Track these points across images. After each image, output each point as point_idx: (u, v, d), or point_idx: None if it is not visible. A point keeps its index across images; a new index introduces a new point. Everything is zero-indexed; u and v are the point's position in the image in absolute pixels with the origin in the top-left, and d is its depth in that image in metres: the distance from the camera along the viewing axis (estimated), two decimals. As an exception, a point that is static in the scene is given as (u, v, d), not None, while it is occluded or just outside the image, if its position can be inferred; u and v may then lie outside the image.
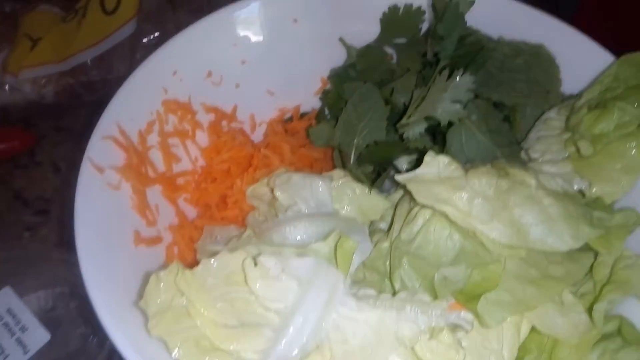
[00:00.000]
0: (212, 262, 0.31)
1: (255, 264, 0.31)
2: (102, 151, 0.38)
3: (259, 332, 0.31)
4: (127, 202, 0.39)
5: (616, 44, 0.43)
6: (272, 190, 0.41)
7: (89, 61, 0.62)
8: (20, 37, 0.65)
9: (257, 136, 0.52)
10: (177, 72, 0.44)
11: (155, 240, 0.39)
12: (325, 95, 0.53)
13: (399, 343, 0.30)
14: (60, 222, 0.60)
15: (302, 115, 0.53)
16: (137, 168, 0.40)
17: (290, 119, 0.53)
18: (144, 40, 0.64)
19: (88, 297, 0.32)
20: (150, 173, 0.42)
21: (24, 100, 0.65)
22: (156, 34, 0.64)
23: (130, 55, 0.63)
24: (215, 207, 0.45)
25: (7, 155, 0.64)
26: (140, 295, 0.30)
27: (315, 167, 0.48)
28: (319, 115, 0.53)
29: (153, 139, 0.43)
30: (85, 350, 0.48)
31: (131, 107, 0.41)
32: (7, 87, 0.64)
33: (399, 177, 0.35)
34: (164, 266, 0.38)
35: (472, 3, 0.42)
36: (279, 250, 0.33)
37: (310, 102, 0.53)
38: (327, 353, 0.30)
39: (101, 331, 0.47)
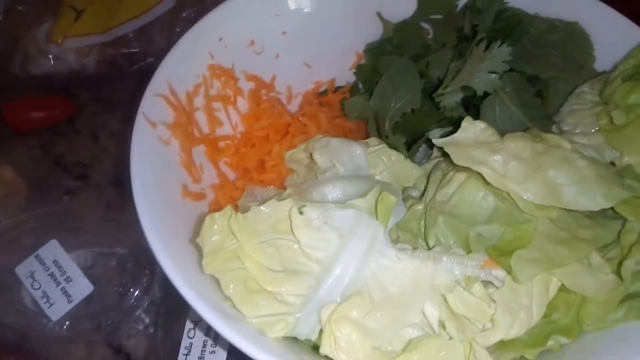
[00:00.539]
0: (262, 208, 0.33)
1: (301, 213, 0.33)
2: (154, 107, 0.40)
3: (301, 279, 0.33)
4: (176, 158, 0.41)
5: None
6: (310, 155, 0.43)
7: (130, 33, 0.65)
8: (64, 8, 0.67)
9: (293, 107, 0.54)
10: (223, 39, 0.46)
11: (200, 196, 0.42)
12: (359, 69, 0.55)
13: (434, 291, 0.32)
14: (98, 187, 0.62)
15: (337, 89, 0.55)
16: (184, 127, 0.42)
17: (325, 92, 0.55)
18: (184, 14, 0.66)
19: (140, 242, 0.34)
20: (196, 133, 0.44)
21: (67, 69, 0.67)
22: (195, 9, 0.66)
23: (169, 29, 0.66)
24: (254, 171, 0.47)
25: (48, 123, 0.67)
26: (196, 234, 0.32)
27: (350, 137, 0.50)
28: (353, 89, 0.54)
29: (199, 101, 0.45)
30: (121, 306, 0.50)
31: (181, 69, 0.43)
32: (51, 56, 0.67)
33: (438, 141, 0.37)
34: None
35: (510, -21, 0.43)
36: (322, 204, 0.34)
37: (345, 76, 0.55)
38: (367, 298, 0.32)
39: (139, 289, 0.50)
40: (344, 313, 0.30)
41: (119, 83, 0.70)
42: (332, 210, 0.34)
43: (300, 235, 0.33)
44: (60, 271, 0.47)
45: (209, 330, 0.46)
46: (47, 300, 0.46)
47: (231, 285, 0.31)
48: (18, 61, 0.67)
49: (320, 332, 0.32)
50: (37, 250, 0.47)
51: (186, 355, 0.45)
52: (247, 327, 0.31)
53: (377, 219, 0.34)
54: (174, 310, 0.49)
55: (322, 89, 0.55)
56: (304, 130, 0.48)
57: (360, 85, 0.54)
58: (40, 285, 0.46)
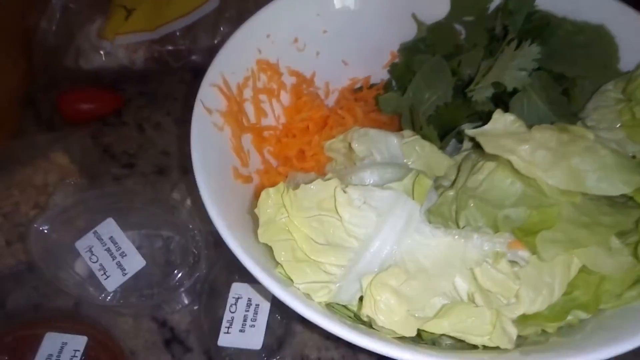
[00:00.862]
0: (310, 186, 0.36)
1: (344, 193, 0.37)
2: (210, 96, 0.44)
3: (342, 252, 0.36)
4: (228, 143, 0.45)
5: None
6: (349, 144, 0.47)
7: (177, 31, 0.69)
8: (115, 7, 0.72)
9: (330, 102, 0.58)
10: (270, 36, 0.50)
11: (248, 178, 0.45)
12: (393, 68, 0.58)
13: (464, 266, 0.35)
14: (143, 175, 0.67)
15: (371, 86, 0.58)
16: (235, 115, 0.46)
17: (360, 88, 0.58)
18: (226, 14, 0.70)
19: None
20: (244, 122, 0.48)
21: (117, 64, 0.72)
22: (236, 10, 0.71)
23: (213, 27, 0.70)
24: (295, 159, 0.50)
25: (98, 114, 0.72)
26: (252, 207, 0.36)
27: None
28: (387, 86, 0.58)
29: (247, 93, 0.49)
30: (167, 284, 0.54)
31: (232, 62, 0.47)
32: (102, 52, 0.72)
33: (471, 132, 0.40)
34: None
35: (541, -17, 0.46)
36: (363, 186, 0.38)
37: (379, 74, 0.59)
38: (403, 269, 0.35)
39: (184, 269, 0.54)
40: (383, 280, 0.33)
41: (163, 78, 0.75)
42: (373, 190, 0.37)
43: (343, 213, 0.36)
44: (116, 247, 0.51)
45: (249, 306, 0.50)
46: (104, 273, 0.50)
47: (282, 253, 0.35)
48: (72, 56, 0.72)
49: (360, 299, 0.36)
50: (95, 227, 0.51)
51: (228, 328, 0.49)
52: (295, 290, 0.35)
53: (414, 199, 0.37)
54: (216, 288, 0.52)
55: (358, 85, 0.59)
56: (341, 122, 0.52)
57: (394, 83, 0.58)
58: (97, 259, 0.50)
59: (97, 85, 0.74)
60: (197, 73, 0.75)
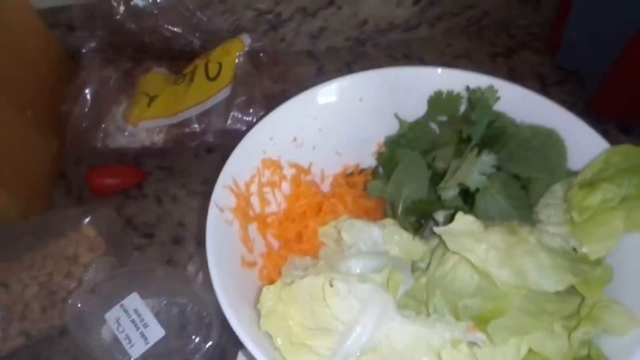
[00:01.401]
0: (303, 282, 0.45)
1: (331, 286, 0.45)
2: (222, 196, 0.53)
3: (330, 335, 0.44)
4: (236, 234, 0.53)
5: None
6: (339, 232, 0.55)
7: (194, 117, 0.79)
8: (139, 95, 0.82)
9: (325, 186, 0.66)
10: (273, 138, 0.59)
11: (253, 264, 0.54)
12: (379, 156, 0.67)
13: (430, 349, 0.43)
14: (161, 244, 0.75)
15: (361, 171, 0.67)
16: (243, 209, 0.54)
17: (352, 173, 0.67)
18: (237, 100, 0.80)
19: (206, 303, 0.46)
20: (250, 213, 0.56)
21: (139, 144, 0.82)
22: (245, 97, 0.80)
23: (225, 112, 0.79)
24: (294, 241, 0.59)
25: (121, 187, 0.81)
26: (256, 301, 0.44)
27: (370, 214, 0.62)
28: (374, 172, 0.66)
29: (253, 188, 0.57)
30: (184, 349, 0.61)
31: (241, 164, 0.56)
32: (126, 133, 0.81)
33: (437, 230, 0.48)
34: (262, 283, 0.52)
35: (498, 98, 0.55)
36: (347, 278, 0.46)
37: (368, 161, 0.67)
38: (379, 353, 0.43)
39: (199, 335, 0.61)
40: (362, 363, 0.41)
41: (180, 154, 0.84)
42: (355, 283, 0.45)
43: (331, 302, 0.45)
44: (139, 318, 0.59)
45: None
46: (129, 342, 0.58)
47: (279, 339, 0.43)
48: (100, 136, 0.82)
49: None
50: (122, 300, 0.60)
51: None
52: (291, 371, 0.42)
53: (389, 291, 0.45)
54: (225, 354, 0.60)
55: (349, 171, 0.67)
56: (333, 209, 0.60)
57: (380, 169, 0.67)
58: (124, 329, 0.58)
59: (121, 161, 0.83)
60: (210, 150, 0.85)
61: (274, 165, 0.60)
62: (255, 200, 0.58)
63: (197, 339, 0.60)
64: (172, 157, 0.85)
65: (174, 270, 0.65)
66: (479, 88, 0.56)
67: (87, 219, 0.74)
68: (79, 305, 0.59)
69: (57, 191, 0.82)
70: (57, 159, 0.84)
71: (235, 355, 0.59)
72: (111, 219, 0.76)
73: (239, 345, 0.59)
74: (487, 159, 0.51)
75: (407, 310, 0.46)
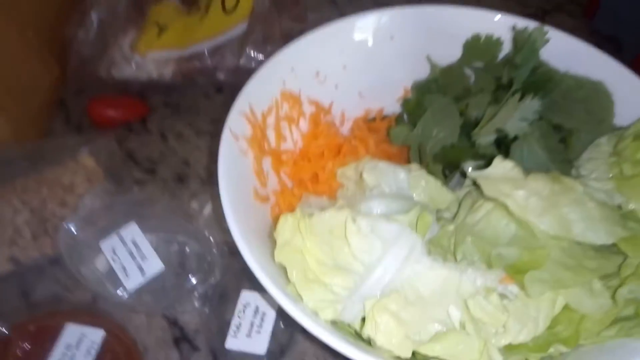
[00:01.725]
0: (324, 214, 0.41)
1: (354, 222, 0.41)
2: (237, 123, 0.48)
3: (348, 275, 0.40)
4: (250, 166, 0.49)
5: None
6: (360, 173, 0.51)
7: (206, 51, 0.74)
8: (149, 23, 0.77)
9: (344, 130, 0.62)
10: (294, 69, 0.55)
11: (265, 198, 0.50)
12: (405, 102, 0.62)
13: (458, 297, 0.39)
14: (163, 182, 0.71)
15: (384, 117, 0.63)
16: (259, 141, 0.50)
17: (373, 119, 0.63)
18: (253, 37, 0.75)
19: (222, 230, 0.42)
20: (266, 147, 0.52)
21: (146, 76, 0.76)
22: (261, 34, 0.75)
23: (239, 49, 0.74)
24: (309, 182, 0.55)
25: (124, 121, 0.76)
26: (268, 236, 0.40)
27: (393, 161, 0.58)
28: (398, 119, 0.62)
29: (270, 120, 0.53)
30: (180, 286, 0.58)
31: (259, 92, 0.51)
32: (133, 64, 0.76)
33: (472, 174, 0.44)
34: (273, 220, 0.48)
35: (547, 40, 0.51)
36: (371, 216, 0.42)
37: (392, 106, 0.63)
38: (403, 296, 0.39)
39: (198, 274, 0.57)
40: (385, 305, 0.37)
41: (188, 91, 0.79)
42: (380, 221, 0.41)
43: (351, 239, 0.41)
44: (137, 249, 0.55)
45: (256, 314, 0.54)
46: (125, 273, 0.54)
47: (294, 273, 0.39)
48: (104, 65, 0.77)
49: (362, 319, 0.39)
50: (119, 229, 0.56)
51: (235, 332, 0.53)
52: (304, 307, 0.38)
53: (417, 232, 0.41)
54: (226, 294, 0.56)
55: (371, 116, 0.63)
56: (354, 151, 0.56)
57: (405, 116, 0.62)
58: (119, 260, 0.54)
59: (125, 94, 0.78)
60: (220, 89, 0.80)
61: (294, 99, 0.55)
62: (271, 134, 0.53)
63: (195, 279, 0.56)
64: (179, 94, 0.80)
65: (176, 205, 0.61)
66: (527, 28, 0.52)
67: (86, 148, 0.69)
68: (73, 231, 0.55)
69: (56, 120, 0.77)
70: (57, 86, 0.79)
71: (237, 298, 0.55)
72: (111, 151, 0.71)
73: (240, 286, 0.56)
74: (531, 104, 0.47)
75: (433, 256, 0.42)
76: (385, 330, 0.36)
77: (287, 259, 0.39)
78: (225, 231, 0.60)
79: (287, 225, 0.40)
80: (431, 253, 0.44)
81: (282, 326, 0.54)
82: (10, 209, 0.63)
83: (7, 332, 0.52)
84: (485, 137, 0.50)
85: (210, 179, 0.69)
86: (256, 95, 0.51)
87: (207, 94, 0.80)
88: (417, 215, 0.42)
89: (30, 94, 0.74)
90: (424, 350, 0.36)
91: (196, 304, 0.58)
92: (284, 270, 0.41)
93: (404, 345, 0.36)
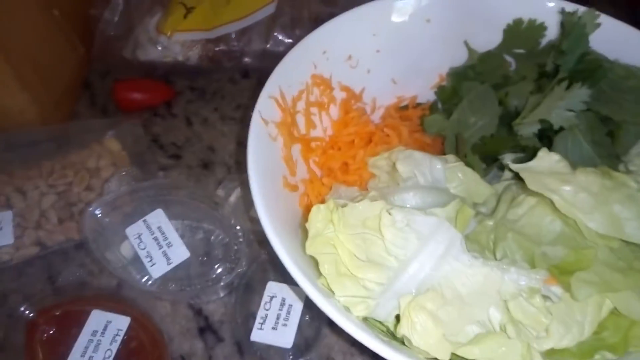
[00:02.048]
0: (357, 205, 0.39)
1: (389, 215, 0.39)
2: (266, 107, 0.46)
3: (382, 270, 0.38)
4: (279, 152, 0.47)
5: None
6: (393, 163, 0.49)
7: (232, 33, 0.72)
8: (175, 4, 0.75)
9: (375, 117, 0.60)
10: (326, 52, 0.52)
11: (295, 187, 0.48)
12: (440, 90, 0.60)
13: (499, 297, 0.37)
14: (188, 167, 0.70)
15: (417, 105, 0.60)
16: (288, 126, 0.48)
17: (406, 107, 0.60)
18: (280, 20, 0.73)
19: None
20: (295, 133, 0.50)
21: (172, 59, 0.75)
22: (291, 16, 0.73)
23: (266, 32, 0.72)
24: (338, 171, 0.53)
25: (149, 104, 0.75)
26: (297, 226, 0.38)
27: (426, 151, 0.55)
28: (432, 107, 0.59)
29: (300, 105, 0.51)
30: (206, 275, 0.56)
31: (289, 75, 0.49)
32: (159, 46, 0.75)
33: (515, 166, 0.42)
34: (302, 208, 0.47)
35: (598, 25, 0.47)
36: (407, 209, 0.40)
37: (425, 94, 0.60)
38: (440, 294, 0.37)
39: (224, 264, 0.56)
40: (421, 303, 0.35)
41: (214, 75, 0.78)
42: (416, 214, 0.39)
43: (386, 233, 0.39)
44: (163, 236, 0.54)
45: (282, 305, 0.52)
46: (150, 260, 0.53)
47: (326, 266, 0.37)
48: (130, 47, 0.75)
49: (395, 317, 0.38)
50: (145, 216, 0.55)
51: (261, 324, 0.51)
52: (336, 302, 0.37)
53: (456, 227, 0.39)
54: (252, 285, 0.55)
55: (404, 103, 0.60)
56: (386, 140, 0.54)
57: (440, 105, 0.59)
58: (145, 247, 0.53)
59: (150, 77, 0.77)
60: (247, 74, 0.78)
61: (325, 83, 0.53)
62: (301, 120, 0.51)
63: (220, 268, 0.55)
64: (204, 78, 0.78)
65: (202, 192, 0.60)
66: (576, 12, 0.48)
67: (112, 132, 0.68)
68: (99, 215, 0.54)
69: (81, 102, 0.77)
70: (83, 67, 0.78)
71: (263, 290, 0.54)
72: (137, 135, 0.70)
73: (266, 277, 0.55)
74: (579, 93, 0.44)
75: (472, 253, 0.40)
76: (422, 330, 0.34)
77: (319, 252, 0.38)
78: (253, 220, 0.58)
79: (319, 216, 0.38)
80: (469, 250, 0.42)
81: (308, 320, 0.53)
82: (37, 193, 0.63)
83: (33, 316, 0.51)
84: (527, 128, 0.47)
85: (237, 166, 0.68)
86: (286, 79, 0.49)
87: (233, 78, 0.79)
88: (455, 208, 0.40)
89: (55, 74, 0.73)
90: (463, 352, 0.34)
91: (221, 294, 0.57)
92: (314, 262, 0.39)
93: (441, 346, 0.34)
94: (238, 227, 0.56)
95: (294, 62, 0.50)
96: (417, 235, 0.39)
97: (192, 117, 0.75)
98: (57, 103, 0.73)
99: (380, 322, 0.39)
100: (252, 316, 0.53)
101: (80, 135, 0.69)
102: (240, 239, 0.56)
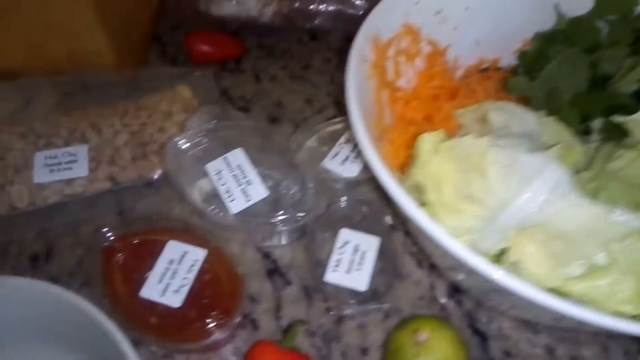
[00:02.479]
0: (464, 139, 0.39)
1: (494, 152, 0.39)
2: (363, 48, 0.46)
3: (485, 205, 0.38)
4: (372, 93, 0.47)
5: None
6: (482, 116, 0.48)
7: (309, -8, 0.72)
8: (252, -39, 0.76)
9: (455, 77, 0.59)
10: (418, 3, 0.52)
11: (384, 130, 0.48)
12: (523, 55, 0.59)
13: (604, 236, 0.36)
14: (257, 121, 0.70)
15: (497, 69, 0.60)
16: (380, 70, 0.48)
17: (486, 69, 0.60)
18: (360, -17, 0.73)
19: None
20: (384, 78, 0.50)
21: (245, 15, 0.76)
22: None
23: (344, -6, 0.73)
24: (422, 121, 0.53)
25: (218, 58, 0.76)
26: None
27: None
28: (514, 71, 0.59)
29: (390, 52, 0.51)
30: (275, 220, 0.56)
31: (382, 21, 0.49)
32: (234, 0, 0.76)
33: (620, 118, 0.41)
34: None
35: None
36: (514, 147, 0.40)
37: (507, 59, 0.60)
38: (543, 231, 0.37)
39: (291, 211, 0.56)
40: (530, 235, 0.35)
41: (282, 35, 0.78)
42: (522, 153, 0.39)
43: (491, 169, 0.38)
44: (242, 174, 0.54)
45: (355, 252, 0.53)
46: (230, 196, 0.53)
47: (432, 194, 0.37)
48: (205, 0, 0.76)
49: (499, 251, 0.37)
50: (226, 154, 0.55)
51: (336, 266, 0.52)
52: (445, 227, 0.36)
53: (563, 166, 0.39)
54: (321, 232, 0.55)
55: (484, 66, 0.60)
56: (471, 95, 0.54)
57: (521, 69, 0.59)
58: (225, 183, 0.54)
59: (220, 31, 0.78)
60: (315, 37, 0.79)
61: (413, 34, 0.53)
62: (390, 67, 0.51)
63: (288, 215, 0.55)
64: (273, 37, 0.79)
65: (278, 139, 0.60)
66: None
67: (184, 80, 0.69)
68: (181, 148, 0.55)
69: (151, 53, 0.78)
70: (155, 18, 0.79)
71: (332, 238, 0.54)
72: (208, 86, 0.71)
73: (338, 225, 0.55)
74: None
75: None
76: (532, 260, 0.34)
77: (424, 181, 0.38)
78: (322, 172, 0.59)
79: (425, 145, 0.38)
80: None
81: (380, 270, 0.52)
82: (111, 130, 0.64)
83: (111, 242, 0.52)
84: (624, 87, 0.46)
85: (304, 123, 0.68)
86: (380, 24, 0.49)
87: (301, 40, 0.79)
88: (561, 150, 0.39)
89: (132, 22, 0.74)
90: (570, 286, 0.34)
91: (289, 239, 0.58)
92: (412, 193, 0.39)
93: (553, 275, 0.34)
94: (307, 178, 0.56)
95: (388, 8, 0.50)
96: (522, 173, 0.39)
97: (261, 73, 0.75)
98: (131, 51, 0.74)
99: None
100: (321, 263, 0.53)
101: (152, 82, 0.70)
102: (310, 188, 0.56)
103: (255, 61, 0.77)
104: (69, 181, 0.60)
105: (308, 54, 0.78)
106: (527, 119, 0.46)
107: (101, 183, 0.61)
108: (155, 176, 0.61)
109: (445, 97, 0.54)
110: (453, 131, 0.51)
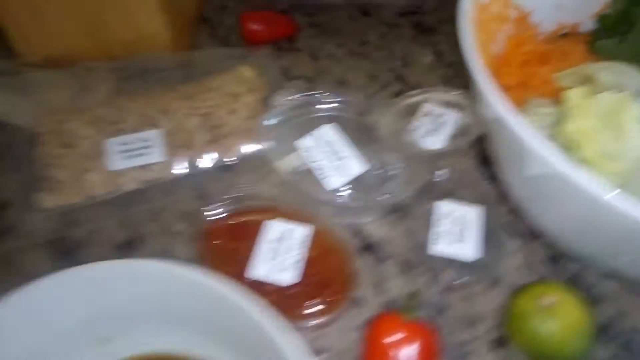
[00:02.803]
0: (601, 96, 0.38)
1: (634, 108, 0.38)
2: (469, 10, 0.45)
3: (625, 162, 0.38)
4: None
5: None
6: (588, 76, 0.48)
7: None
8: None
9: (535, 43, 0.59)
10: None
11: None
12: (602, 17, 0.59)
13: None
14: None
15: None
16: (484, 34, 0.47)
17: (565, 35, 0.59)
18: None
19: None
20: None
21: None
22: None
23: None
24: (516, 88, 0.52)
25: (270, 38, 0.74)
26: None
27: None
28: (595, 34, 0.58)
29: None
30: (369, 198, 0.54)
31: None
32: (282, -22, 0.74)
33: None
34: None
35: None
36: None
37: (585, 25, 0.59)
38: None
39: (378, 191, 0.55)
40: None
41: (333, 12, 0.77)
42: (661, 108, 0.38)
43: (629, 125, 0.38)
44: (333, 151, 0.53)
45: (455, 222, 0.52)
46: (322, 173, 0.52)
47: (581, 151, 0.37)
48: (255, -21, 0.74)
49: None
50: (316, 128, 0.54)
51: (436, 239, 0.51)
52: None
53: None
54: (415, 208, 0.54)
55: (563, 31, 0.59)
56: (564, 58, 0.53)
57: (602, 33, 0.58)
58: (317, 160, 0.52)
59: (270, 10, 0.76)
60: (367, 12, 0.77)
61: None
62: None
63: (381, 193, 0.54)
64: (324, 15, 0.77)
65: (363, 118, 0.59)
66: None
67: (242, 61, 0.68)
68: (271, 125, 0.53)
69: (201, 35, 0.76)
70: (202, 2, 0.77)
71: (426, 213, 0.53)
72: (268, 66, 0.69)
73: (431, 198, 0.54)
74: None
75: None
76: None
77: (577, 133, 0.37)
78: (407, 145, 0.57)
79: (575, 98, 0.37)
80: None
81: (480, 240, 0.52)
82: (181, 114, 0.62)
83: (206, 225, 0.51)
84: None
85: (376, 95, 0.67)
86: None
87: (353, 15, 0.78)
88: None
89: (183, 6, 0.72)
90: None
91: (383, 215, 0.56)
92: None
93: None
94: (396, 152, 0.55)
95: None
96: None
97: (317, 52, 0.74)
98: (182, 33, 0.72)
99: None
100: (419, 237, 0.52)
101: (208, 64, 0.68)
102: (398, 166, 0.55)
103: (310, 40, 0.75)
104: (145, 167, 0.58)
105: (362, 30, 0.76)
106: (638, 76, 0.46)
107: (179, 168, 0.59)
108: (234, 158, 0.59)
109: (535, 62, 0.53)
110: (554, 95, 0.50)
